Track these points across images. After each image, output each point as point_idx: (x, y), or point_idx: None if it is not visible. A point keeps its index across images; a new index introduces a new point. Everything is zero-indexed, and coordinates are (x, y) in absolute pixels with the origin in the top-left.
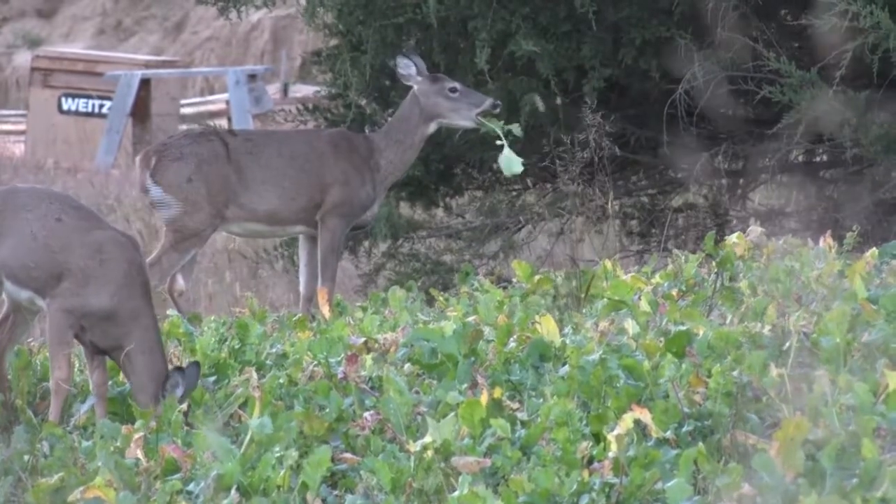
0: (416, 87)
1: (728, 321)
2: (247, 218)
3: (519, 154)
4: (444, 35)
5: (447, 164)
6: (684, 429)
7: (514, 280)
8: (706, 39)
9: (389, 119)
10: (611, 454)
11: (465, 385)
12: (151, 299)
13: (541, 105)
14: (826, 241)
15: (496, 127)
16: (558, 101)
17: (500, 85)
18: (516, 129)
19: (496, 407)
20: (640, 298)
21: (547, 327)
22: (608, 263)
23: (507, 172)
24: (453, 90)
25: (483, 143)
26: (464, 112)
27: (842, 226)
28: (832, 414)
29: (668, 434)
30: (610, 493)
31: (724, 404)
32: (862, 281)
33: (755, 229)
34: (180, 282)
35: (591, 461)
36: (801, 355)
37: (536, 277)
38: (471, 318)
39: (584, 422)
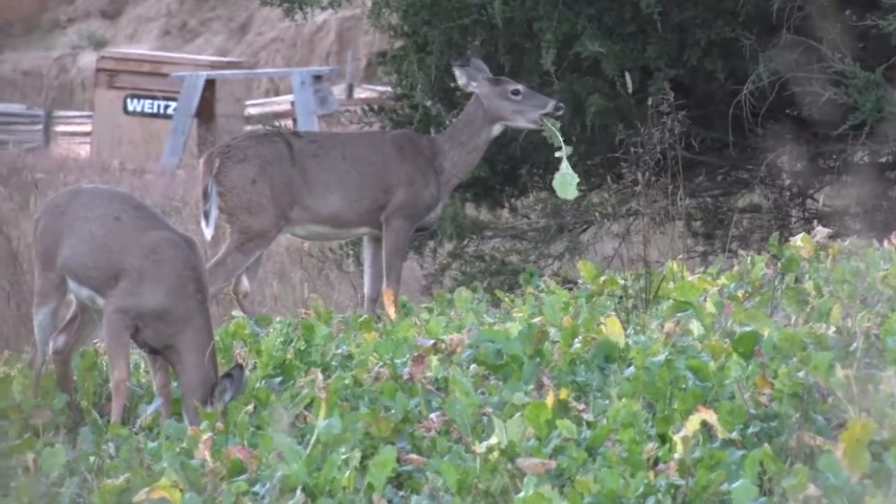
0: (478, 90)
1: (793, 322)
2: (311, 220)
3: (589, 152)
4: (510, 36)
5: (512, 165)
6: (750, 430)
7: (580, 281)
8: (771, 40)
9: (453, 121)
10: (677, 455)
11: (530, 386)
12: (206, 301)
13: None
14: (891, 242)
15: (556, 133)
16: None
17: (565, 86)
18: (567, 150)
19: (562, 408)
20: (705, 299)
21: (612, 328)
22: (674, 264)
23: (560, 194)
24: (516, 92)
25: (548, 144)
26: (527, 114)
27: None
28: None
29: (734, 435)
30: (676, 495)
31: (790, 405)
32: None
33: (821, 230)
34: (245, 283)
35: (656, 462)
36: (867, 356)
37: (602, 278)
38: (536, 320)
39: (650, 423)
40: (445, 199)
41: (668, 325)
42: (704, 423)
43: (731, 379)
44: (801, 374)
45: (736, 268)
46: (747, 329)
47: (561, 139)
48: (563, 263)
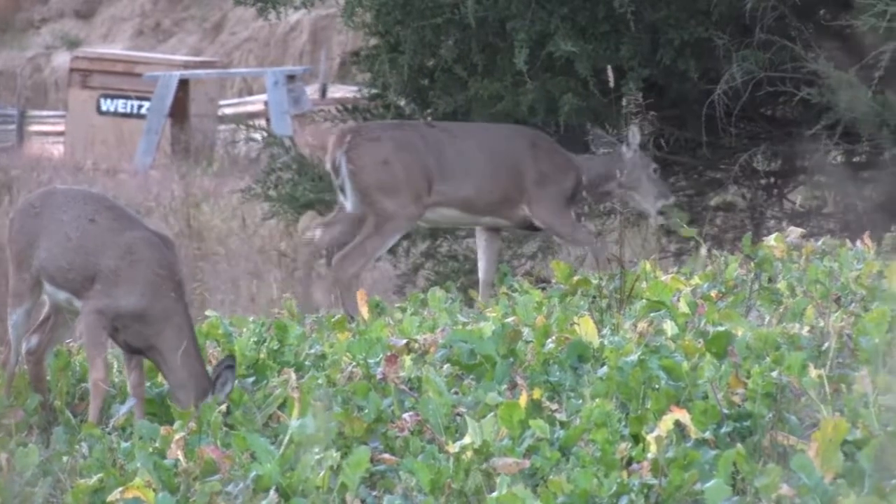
0: (628, 154)
1: (767, 322)
2: (443, 203)
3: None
4: (483, 35)
5: None
6: (723, 430)
7: (553, 280)
8: (744, 40)
9: (589, 155)
10: (650, 455)
11: (503, 386)
12: (185, 298)
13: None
14: (865, 242)
15: (679, 221)
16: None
17: (538, 85)
18: (689, 231)
19: (535, 408)
20: (678, 299)
21: (585, 328)
22: (647, 264)
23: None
24: (655, 171)
25: None
26: (654, 198)
27: (880, 226)
28: (871, 415)
29: (708, 435)
30: (649, 494)
31: (764, 405)
32: None
33: (794, 230)
34: (317, 233)
35: (630, 462)
36: (840, 356)
37: (575, 278)
38: (509, 319)
39: (623, 423)
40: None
41: (642, 325)
42: (678, 423)
43: (705, 379)
44: (774, 373)
45: (709, 267)
46: (721, 329)
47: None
48: (536, 263)
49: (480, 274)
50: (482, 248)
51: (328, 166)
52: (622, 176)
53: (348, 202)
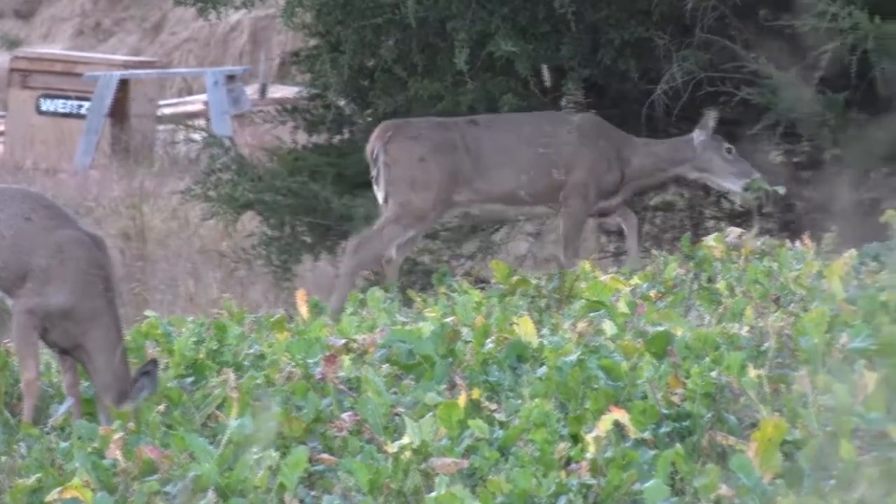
0: (698, 138)
1: (706, 322)
2: (483, 199)
3: None
4: (423, 35)
5: None
6: (662, 430)
7: (492, 281)
8: (685, 40)
9: (660, 140)
10: (589, 455)
11: (443, 386)
12: (115, 300)
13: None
14: (804, 242)
15: (766, 187)
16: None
17: (478, 85)
18: (781, 189)
19: (474, 408)
20: (618, 299)
21: (524, 328)
22: (587, 264)
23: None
24: (729, 151)
25: None
26: (732, 177)
27: (820, 227)
28: (810, 415)
29: (646, 435)
30: (588, 494)
31: (703, 405)
32: (840, 282)
33: (733, 230)
34: (392, 250)
35: (568, 462)
36: (779, 356)
37: (514, 278)
38: (448, 319)
39: (562, 423)
40: (626, 193)
41: (581, 325)
42: (617, 423)
43: (644, 379)
44: (713, 373)
45: (648, 267)
46: (660, 329)
47: (766, 187)
48: (475, 263)
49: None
50: (627, 235)
51: (368, 157)
52: (694, 160)
53: (380, 193)
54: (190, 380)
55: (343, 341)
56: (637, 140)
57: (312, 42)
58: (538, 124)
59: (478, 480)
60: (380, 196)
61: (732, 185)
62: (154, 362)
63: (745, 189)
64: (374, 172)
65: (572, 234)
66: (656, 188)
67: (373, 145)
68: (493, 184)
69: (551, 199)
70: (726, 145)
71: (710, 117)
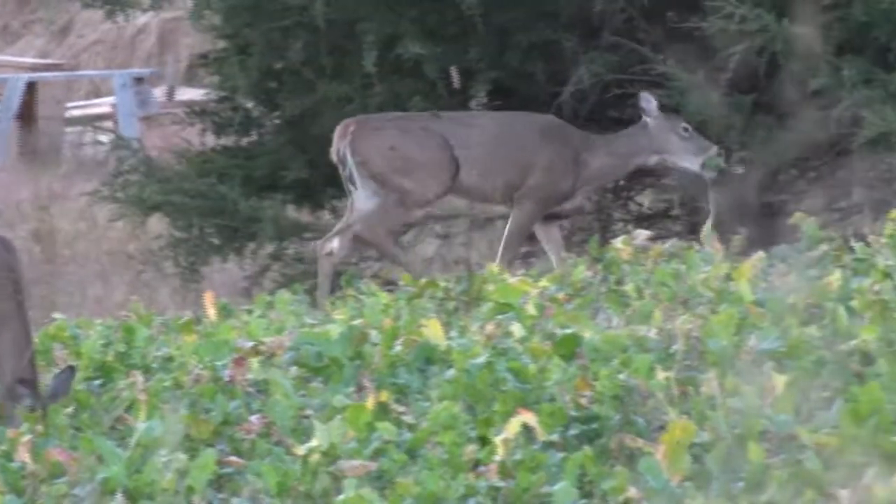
0: (651, 121)
1: (614, 324)
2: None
3: None
4: (332, 37)
5: (334, 167)
6: (571, 432)
7: (400, 283)
8: (593, 42)
9: (615, 132)
10: (497, 457)
11: (351, 388)
12: (24, 302)
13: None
14: (712, 245)
15: (722, 165)
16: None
17: (386, 87)
18: (739, 168)
19: (382, 410)
20: (526, 302)
21: (433, 330)
22: (495, 266)
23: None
24: (685, 129)
25: None
26: (690, 156)
27: (728, 229)
28: (719, 417)
29: (555, 437)
30: (496, 497)
31: (611, 407)
32: (748, 284)
33: (641, 232)
34: (335, 243)
35: (477, 464)
36: (687, 358)
37: (423, 280)
38: (357, 322)
39: (471, 425)
40: (584, 195)
41: (489, 328)
42: (525, 426)
43: (552, 381)
44: (621, 376)
45: (557, 270)
46: (568, 331)
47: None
48: (383, 265)
49: (553, 262)
50: (544, 241)
51: (333, 158)
52: (651, 144)
53: (361, 192)
54: (98, 382)
55: (251, 344)
56: (597, 140)
57: (220, 44)
58: (504, 123)
59: (386, 483)
60: (361, 195)
61: (690, 164)
62: (71, 368)
63: (703, 167)
64: (345, 173)
65: (515, 238)
66: (617, 178)
67: (337, 146)
68: (458, 177)
69: (507, 200)
70: (682, 123)
71: (647, 98)
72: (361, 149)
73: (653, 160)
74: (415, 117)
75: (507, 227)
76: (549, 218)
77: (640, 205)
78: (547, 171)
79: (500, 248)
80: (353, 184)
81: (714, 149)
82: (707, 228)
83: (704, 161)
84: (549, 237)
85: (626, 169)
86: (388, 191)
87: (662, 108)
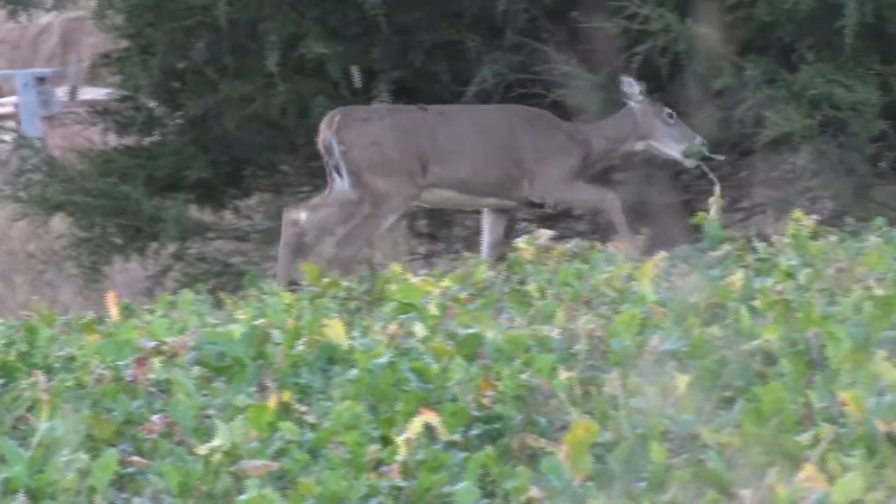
0: (636, 105)
1: (517, 324)
2: (440, 185)
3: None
4: (234, 37)
5: (236, 167)
6: (473, 432)
7: (303, 283)
8: (496, 42)
9: (599, 121)
10: (399, 457)
11: (253, 388)
12: None
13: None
14: (615, 245)
15: (705, 153)
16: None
17: (289, 87)
18: (720, 156)
19: (284, 410)
20: (428, 302)
21: (335, 330)
22: (397, 266)
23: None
24: (670, 115)
25: (272, 146)
26: (674, 143)
27: (632, 228)
28: (621, 417)
29: (457, 437)
30: (398, 497)
31: (513, 407)
32: (651, 284)
33: (544, 232)
34: (302, 215)
35: (379, 464)
36: (590, 358)
37: (325, 280)
38: (259, 321)
39: (373, 425)
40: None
41: (392, 327)
42: (427, 425)
43: (455, 381)
44: (524, 376)
45: (459, 270)
46: (471, 331)
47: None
48: None
49: (483, 256)
50: (486, 230)
51: (320, 148)
52: (636, 130)
53: (344, 183)
54: (0, 382)
55: (153, 344)
56: (582, 125)
57: (123, 44)
58: (492, 115)
59: (288, 483)
60: (344, 185)
61: (673, 151)
62: None
63: (685, 155)
64: (332, 163)
65: (584, 194)
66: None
67: (324, 135)
68: (449, 170)
69: (504, 192)
70: (667, 110)
71: (629, 83)
72: (346, 138)
73: (639, 146)
74: (402, 110)
75: (576, 208)
76: (502, 210)
77: (542, 205)
78: (549, 159)
79: (601, 211)
80: (340, 173)
81: (698, 138)
82: (715, 197)
83: (686, 149)
84: (493, 228)
85: (618, 154)
86: (363, 194)
87: (644, 92)
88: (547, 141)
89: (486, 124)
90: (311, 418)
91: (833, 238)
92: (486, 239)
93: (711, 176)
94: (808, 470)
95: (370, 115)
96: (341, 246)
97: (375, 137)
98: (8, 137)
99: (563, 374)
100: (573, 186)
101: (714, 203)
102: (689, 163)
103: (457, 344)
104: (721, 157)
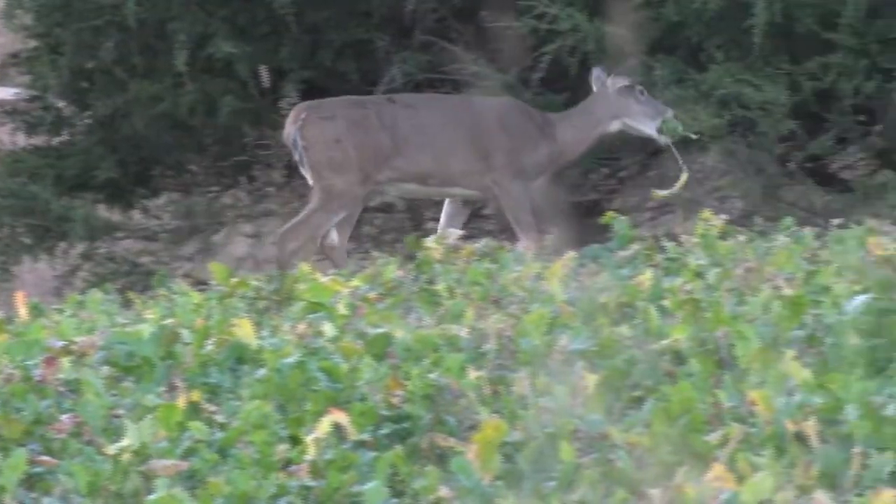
0: (610, 89)
1: (426, 324)
2: (401, 179)
3: (222, 153)
4: (143, 37)
5: (144, 166)
6: (382, 431)
7: (212, 282)
8: (405, 42)
9: (570, 109)
10: (308, 457)
11: (162, 388)
12: None
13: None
14: (525, 244)
15: (681, 130)
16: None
17: (198, 87)
18: (693, 135)
19: (194, 410)
20: (338, 301)
21: (244, 330)
22: (306, 266)
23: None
24: (641, 93)
25: (181, 146)
26: (648, 119)
27: (541, 228)
28: (530, 416)
29: (366, 437)
30: (308, 496)
31: (423, 407)
32: (560, 283)
33: (453, 231)
34: (333, 237)
35: (288, 463)
36: (499, 357)
37: (234, 280)
38: (168, 321)
39: (282, 424)
40: (552, 172)
41: (301, 327)
42: (336, 425)
43: (364, 380)
44: (433, 375)
45: (368, 269)
46: (380, 331)
47: (681, 129)
48: (195, 265)
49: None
50: (443, 220)
51: (286, 142)
52: (610, 109)
53: (307, 175)
54: None
55: (62, 343)
56: (552, 115)
57: (32, 43)
58: (461, 106)
59: (197, 482)
60: (309, 179)
61: (647, 128)
62: None
63: (659, 131)
64: (296, 157)
65: (520, 213)
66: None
67: (288, 130)
68: (410, 163)
69: (467, 183)
70: (639, 87)
71: (597, 74)
72: (309, 135)
73: (614, 126)
74: (368, 104)
75: (507, 214)
76: (465, 203)
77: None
78: (513, 150)
79: (519, 234)
80: (303, 168)
81: (669, 112)
82: (680, 184)
83: (660, 125)
84: (451, 220)
85: (592, 139)
86: (317, 189)
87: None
88: (514, 133)
89: (453, 114)
90: (220, 418)
91: (742, 238)
92: (442, 222)
93: (681, 162)
94: (717, 469)
95: (334, 113)
96: (284, 239)
97: (338, 136)
98: None
99: (473, 374)
100: (524, 196)
101: (679, 186)
102: (663, 140)
103: (366, 343)
104: (695, 136)
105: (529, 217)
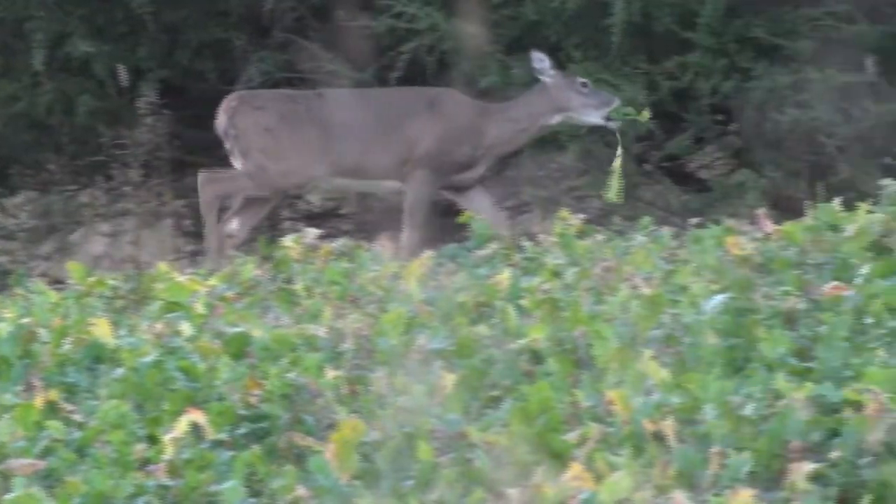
0: (549, 80)
1: (284, 323)
2: (333, 173)
3: (79, 152)
4: (0, 36)
5: (2, 165)
6: (240, 431)
7: (69, 281)
8: (263, 41)
9: (512, 99)
10: (166, 456)
11: (20, 387)
12: None
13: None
14: (382, 244)
15: (635, 116)
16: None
17: (55, 86)
18: (647, 113)
19: (51, 409)
20: (195, 300)
21: (101, 329)
22: (164, 265)
23: (609, 196)
24: (584, 85)
25: (38, 145)
26: (592, 110)
27: (397, 227)
28: (388, 416)
29: (224, 436)
30: (165, 496)
31: (280, 406)
32: (418, 283)
33: (311, 231)
34: (234, 225)
35: (146, 463)
36: (357, 357)
37: (91, 279)
38: (25, 321)
39: (140, 424)
40: (486, 164)
41: (158, 326)
42: (194, 424)
43: (222, 380)
44: (291, 375)
45: (227, 268)
46: (238, 330)
47: (634, 114)
48: (52, 264)
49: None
50: (476, 210)
51: (217, 131)
52: (552, 103)
53: (237, 162)
54: None
55: None
56: (494, 108)
57: None
58: (389, 98)
59: (55, 481)
60: (237, 164)
61: (593, 119)
62: None
63: (608, 119)
64: (227, 146)
65: (415, 212)
66: (521, 148)
67: (220, 119)
68: (340, 157)
69: (399, 175)
70: (580, 80)
71: (539, 58)
72: (240, 124)
73: (556, 119)
74: (298, 97)
75: (405, 202)
76: (460, 189)
77: (310, 203)
78: (437, 142)
79: (404, 227)
80: (234, 158)
81: (616, 101)
82: (613, 180)
83: (609, 113)
84: (480, 205)
85: (531, 132)
86: (249, 163)
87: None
88: (443, 124)
89: (383, 108)
90: (78, 417)
91: (600, 237)
92: (480, 214)
93: (619, 138)
94: (576, 469)
95: (265, 104)
96: (207, 182)
97: (268, 125)
98: None
99: (331, 373)
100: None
101: (616, 163)
102: (614, 125)
103: (224, 343)
104: (647, 118)
105: (422, 216)
